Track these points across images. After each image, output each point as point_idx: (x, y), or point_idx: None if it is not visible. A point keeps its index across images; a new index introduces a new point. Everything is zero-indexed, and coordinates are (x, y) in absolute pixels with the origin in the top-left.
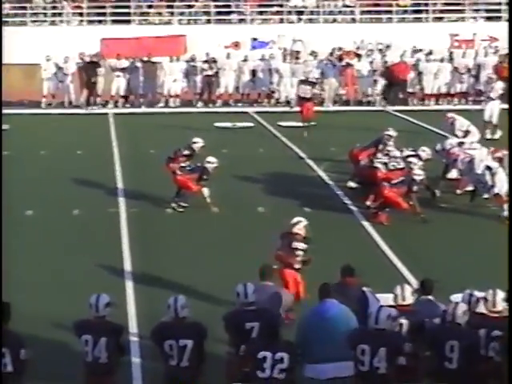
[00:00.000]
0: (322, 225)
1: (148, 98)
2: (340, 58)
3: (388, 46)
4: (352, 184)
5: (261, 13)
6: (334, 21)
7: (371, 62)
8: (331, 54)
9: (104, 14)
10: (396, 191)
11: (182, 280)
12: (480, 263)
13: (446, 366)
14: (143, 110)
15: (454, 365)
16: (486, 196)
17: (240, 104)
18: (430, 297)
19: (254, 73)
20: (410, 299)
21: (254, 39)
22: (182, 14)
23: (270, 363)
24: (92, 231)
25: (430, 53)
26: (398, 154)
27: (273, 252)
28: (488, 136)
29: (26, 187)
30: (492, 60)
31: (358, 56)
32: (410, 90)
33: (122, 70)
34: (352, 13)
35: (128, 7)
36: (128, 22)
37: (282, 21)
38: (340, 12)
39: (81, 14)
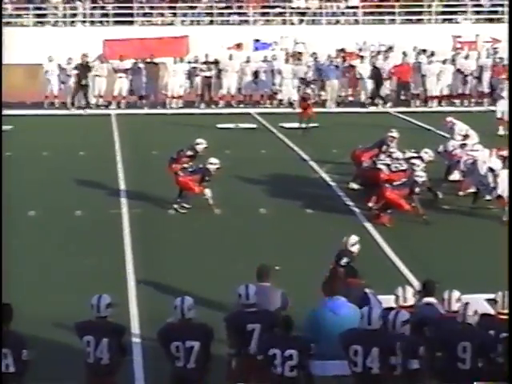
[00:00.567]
0: (324, 226)
1: (151, 99)
2: (343, 60)
3: (391, 48)
4: (354, 185)
5: (263, 14)
6: (337, 22)
7: (373, 64)
8: (328, 56)
9: (107, 15)
10: (398, 193)
11: (183, 281)
12: (482, 265)
13: (459, 366)
14: (146, 110)
15: (467, 365)
16: (488, 198)
17: (242, 105)
18: (431, 298)
19: (256, 74)
20: (411, 301)
21: (257, 40)
22: (184, 15)
23: (280, 361)
24: (94, 232)
25: (433, 54)
26: (400, 155)
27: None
28: (501, 132)
29: (28, 188)
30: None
31: (361, 57)
32: (413, 91)
33: (125, 71)
34: (355, 14)
35: (131, 8)
36: (131, 23)
37: (284, 22)
38: (343, 13)
39: (84, 15)
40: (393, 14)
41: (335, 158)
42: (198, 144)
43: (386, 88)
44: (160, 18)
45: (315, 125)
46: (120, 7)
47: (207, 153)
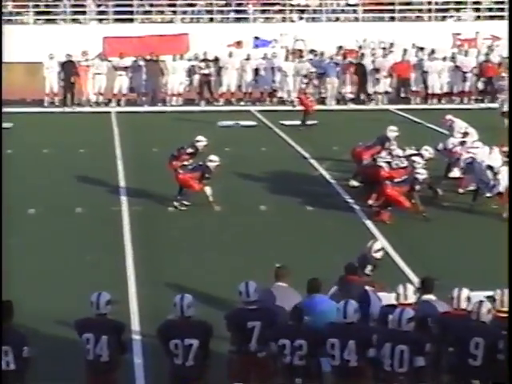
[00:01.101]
0: (325, 223)
1: (151, 97)
2: (343, 57)
3: (392, 45)
4: (354, 183)
5: (263, 11)
6: (337, 19)
7: (373, 61)
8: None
9: (107, 13)
10: (398, 190)
11: (184, 278)
12: (482, 262)
13: (470, 362)
14: (146, 108)
15: (479, 362)
16: (488, 195)
17: (242, 103)
18: (430, 295)
19: (256, 71)
20: (412, 298)
21: (257, 38)
22: (184, 12)
23: (289, 351)
24: (94, 229)
25: (433, 52)
26: (400, 152)
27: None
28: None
29: (29, 186)
30: (495, 59)
31: (361, 55)
32: (413, 88)
33: (125, 68)
34: (355, 11)
35: (131, 6)
36: (131, 20)
37: (284, 19)
38: (343, 11)
39: (84, 13)
40: (392, 11)
41: (335, 155)
42: (198, 141)
43: (386, 85)
44: (160, 15)
45: (315, 122)
46: (120, 5)
47: (207, 150)
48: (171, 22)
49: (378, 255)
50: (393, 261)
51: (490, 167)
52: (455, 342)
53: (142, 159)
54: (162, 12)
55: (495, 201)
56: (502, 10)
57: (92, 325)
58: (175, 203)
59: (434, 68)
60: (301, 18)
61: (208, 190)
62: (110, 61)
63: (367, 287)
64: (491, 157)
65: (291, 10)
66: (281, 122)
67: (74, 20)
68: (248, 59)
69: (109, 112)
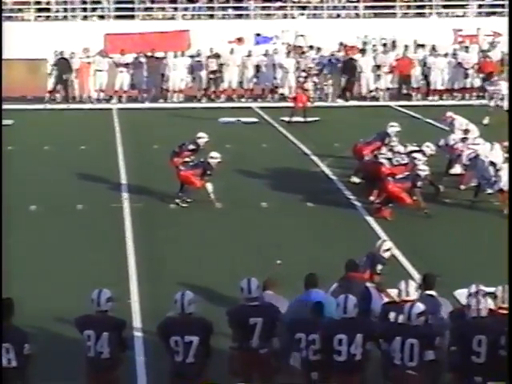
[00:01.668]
0: (326, 220)
1: (152, 94)
2: (345, 53)
3: (394, 42)
4: (355, 179)
5: (264, 8)
6: (338, 16)
7: (375, 58)
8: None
9: (108, 10)
10: (400, 186)
11: (185, 275)
12: (483, 258)
13: (474, 360)
14: (147, 105)
15: (482, 359)
16: (489, 191)
17: (244, 99)
18: (432, 292)
19: (257, 68)
20: (414, 295)
21: (258, 34)
22: (185, 9)
23: (304, 344)
24: (96, 226)
25: (434, 48)
26: (401, 149)
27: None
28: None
29: (29, 182)
30: (496, 55)
31: (362, 51)
32: (414, 85)
33: (126, 65)
34: (356, 8)
35: (132, 3)
36: (132, 17)
37: (285, 16)
38: (344, 7)
39: (85, 10)
40: (394, 7)
41: (336, 151)
42: (199, 138)
43: (388, 82)
44: (161, 12)
45: (316, 119)
46: (121, 1)
47: (208, 147)
48: (172, 18)
49: (387, 255)
50: (394, 257)
51: (493, 163)
52: (458, 341)
53: (143, 156)
54: (163, 9)
55: (496, 197)
56: (503, 6)
57: (93, 322)
58: (177, 200)
59: (438, 64)
60: (302, 15)
61: (209, 186)
62: (111, 57)
63: (368, 284)
64: (493, 153)
65: (292, 7)
66: (282, 118)
67: (74, 17)
68: (249, 56)
69: (110, 109)
